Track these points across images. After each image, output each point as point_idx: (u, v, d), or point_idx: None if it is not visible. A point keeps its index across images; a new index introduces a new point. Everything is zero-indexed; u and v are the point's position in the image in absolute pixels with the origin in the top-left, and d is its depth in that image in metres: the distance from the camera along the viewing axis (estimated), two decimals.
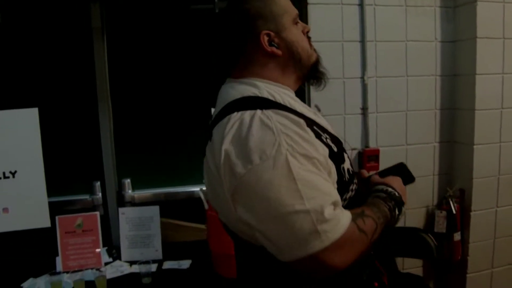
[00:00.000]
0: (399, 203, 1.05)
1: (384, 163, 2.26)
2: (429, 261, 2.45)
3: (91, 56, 2.10)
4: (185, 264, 1.96)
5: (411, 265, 2.44)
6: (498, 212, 2.42)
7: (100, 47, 2.10)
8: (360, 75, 2.26)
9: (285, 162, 0.82)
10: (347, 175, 0.99)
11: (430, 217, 2.43)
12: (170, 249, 2.07)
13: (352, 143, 2.23)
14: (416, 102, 2.36)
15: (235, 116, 0.90)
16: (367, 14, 2.22)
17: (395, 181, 1.11)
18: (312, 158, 0.86)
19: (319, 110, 1.95)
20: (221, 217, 1.04)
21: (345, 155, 1.03)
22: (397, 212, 1.04)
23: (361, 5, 2.22)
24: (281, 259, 0.87)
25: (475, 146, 2.29)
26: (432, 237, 2.33)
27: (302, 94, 2.10)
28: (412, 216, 2.41)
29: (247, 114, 0.89)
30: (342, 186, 0.96)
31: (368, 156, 2.22)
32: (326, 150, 0.91)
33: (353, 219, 0.88)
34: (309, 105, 2.09)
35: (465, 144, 2.34)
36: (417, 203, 2.42)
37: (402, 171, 1.19)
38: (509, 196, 2.44)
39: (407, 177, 1.18)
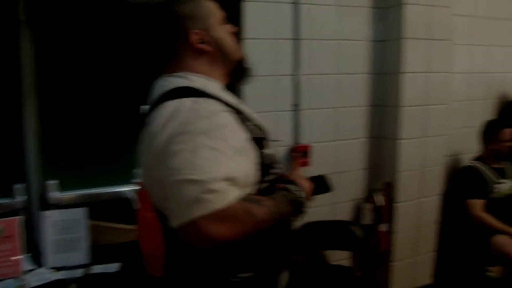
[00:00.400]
0: (299, 202, 1.17)
1: (316, 158, 2.41)
2: (357, 252, 2.65)
3: (17, 50, 2.02)
4: (115, 267, 1.98)
5: (341, 257, 2.61)
6: (421, 203, 2.67)
7: (27, 40, 2.02)
8: (294, 73, 2.37)
9: (196, 139, 0.97)
10: (268, 160, 1.15)
11: (358, 210, 2.62)
12: (99, 253, 2.08)
13: (284, 139, 2.34)
14: (347, 99, 2.54)
15: (171, 103, 1.04)
16: (302, 13, 2.34)
17: (304, 182, 1.24)
18: (224, 140, 1.00)
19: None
20: (157, 202, 1.13)
21: (269, 143, 1.20)
22: (296, 210, 1.17)
23: (296, 3, 2.32)
24: (172, 226, 0.99)
25: (400, 141, 2.50)
26: (359, 229, 2.54)
27: (236, 90, 2.17)
28: (341, 209, 2.60)
29: (180, 101, 1.04)
30: (263, 168, 1.12)
31: (299, 152, 2.35)
32: (247, 135, 1.07)
33: (244, 199, 1.00)
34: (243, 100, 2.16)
35: (391, 139, 2.55)
36: (346, 196, 2.61)
37: (321, 181, 1.32)
38: (432, 188, 2.71)
39: (324, 187, 1.31)
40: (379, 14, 2.56)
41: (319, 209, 2.42)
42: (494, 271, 2.85)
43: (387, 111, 2.58)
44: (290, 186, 1.17)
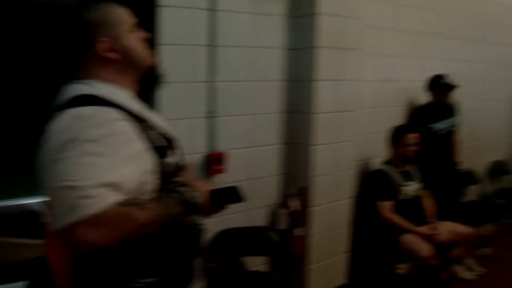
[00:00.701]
0: (190, 202, 1.21)
1: (231, 165, 2.49)
2: (274, 257, 2.77)
3: None
4: (20, 286, 1.92)
5: (258, 263, 2.72)
6: (334, 207, 2.86)
7: None
8: (209, 79, 2.42)
9: (84, 146, 1.01)
10: (170, 169, 1.21)
11: (274, 215, 2.75)
12: (3, 271, 2.00)
13: (198, 146, 2.40)
14: (262, 106, 2.66)
15: (70, 111, 1.08)
16: (218, 19, 2.40)
17: (200, 184, 1.31)
18: (115, 147, 1.05)
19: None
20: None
21: (174, 152, 1.25)
22: (188, 210, 1.21)
23: (212, 10, 2.38)
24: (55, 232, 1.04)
25: (313, 147, 2.66)
26: (275, 234, 2.67)
27: (149, 97, 2.19)
28: (257, 215, 2.72)
29: (78, 109, 1.08)
30: (164, 177, 1.17)
31: (213, 159, 2.42)
32: (146, 144, 1.12)
33: (124, 204, 1.04)
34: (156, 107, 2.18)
35: (305, 145, 2.71)
36: (261, 202, 2.73)
37: (233, 191, 1.38)
38: (344, 191, 2.91)
39: (236, 198, 1.38)
40: (294, 23, 2.70)
41: (235, 216, 2.51)
42: (402, 268, 3.11)
43: (300, 118, 2.73)
44: (181, 188, 1.22)
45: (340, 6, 2.69)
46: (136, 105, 1.23)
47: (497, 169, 4.64)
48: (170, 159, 1.22)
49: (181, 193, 1.20)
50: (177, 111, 2.30)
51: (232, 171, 2.52)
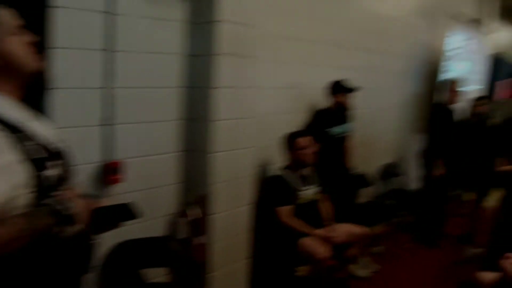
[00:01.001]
0: (62, 214, 1.21)
1: (128, 175, 2.48)
2: (175, 267, 2.79)
3: None
4: None
5: (159, 274, 2.73)
6: (234, 213, 2.97)
7: None
8: (105, 85, 2.39)
9: None
10: (49, 182, 1.19)
11: (173, 224, 2.78)
12: None
13: (93, 155, 2.37)
14: (160, 113, 2.69)
15: None
16: (115, 23, 2.37)
17: (78, 199, 1.31)
18: None
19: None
20: None
21: (56, 164, 1.24)
22: (60, 221, 1.21)
23: (108, 13, 2.34)
24: None
25: (212, 154, 2.74)
26: (176, 243, 2.70)
27: (38, 104, 2.12)
28: (156, 225, 2.75)
29: None
30: (41, 191, 1.16)
31: (110, 169, 2.40)
32: (18, 156, 1.11)
33: None
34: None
35: (203, 152, 2.79)
36: (161, 211, 2.77)
37: (125, 208, 1.40)
38: (244, 197, 3.04)
39: (129, 215, 1.40)
40: (194, 29, 2.76)
41: (133, 227, 2.48)
42: (302, 271, 3.28)
43: (199, 125, 2.80)
44: (52, 200, 1.21)
45: (239, 14, 2.79)
46: (17, 113, 1.21)
47: (388, 172, 5.07)
48: (51, 172, 1.20)
49: (51, 205, 1.18)
50: (70, 119, 2.24)
51: (129, 181, 2.52)
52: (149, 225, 2.67)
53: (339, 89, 3.74)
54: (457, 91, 4.60)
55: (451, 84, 4.64)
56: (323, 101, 3.84)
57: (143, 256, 2.58)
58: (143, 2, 2.50)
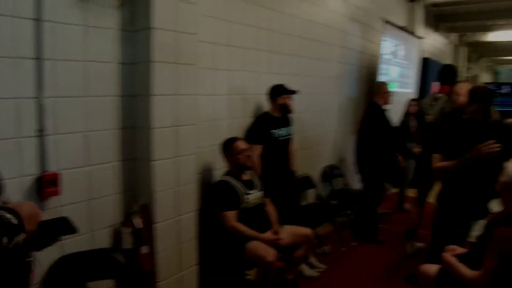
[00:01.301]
0: (9, 228, 1.20)
1: (66, 186, 2.43)
2: (121, 279, 2.75)
3: None
4: None
5: (105, 287, 2.68)
6: (179, 221, 2.97)
7: None
8: (37, 95, 2.33)
9: None
10: None
11: (117, 235, 2.74)
12: None
13: (28, 168, 2.31)
14: (98, 123, 2.66)
15: None
16: (45, 31, 2.32)
17: (24, 208, 1.30)
18: None
19: None
20: None
21: None
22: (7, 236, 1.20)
23: (38, 20, 2.29)
24: None
25: (153, 162, 2.74)
26: (121, 254, 2.67)
27: None
28: (100, 237, 2.71)
29: None
30: None
31: (46, 181, 2.34)
32: None
33: None
34: None
35: (144, 160, 2.78)
36: (104, 223, 2.73)
37: (61, 223, 1.39)
38: (188, 205, 3.04)
39: (68, 229, 1.39)
40: (128, 37, 2.76)
41: (76, 239, 2.46)
42: (251, 274, 3.32)
43: (139, 133, 2.80)
44: None
45: (175, 21, 2.82)
46: None
47: (330, 173, 5.23)
48: None
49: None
50: (1, 130, 2.18)
51: (68, 192, 2.48)
52: (92, 237, 2.64)
53: (280, 91, 3.84)
54: (388, 93, 4.84)
55: (383, 86, 4.89)
56: (265, 105, 3.95)
57: (88, 269, 2.53)
58: (76, 9, 2.48)
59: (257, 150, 3.70)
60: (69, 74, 2.47)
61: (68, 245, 2.44)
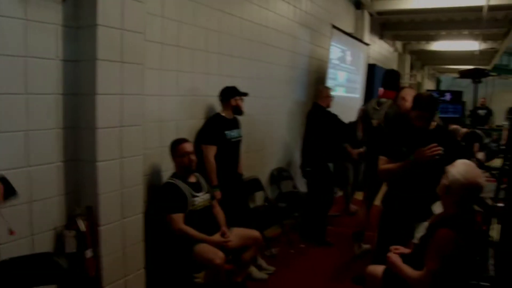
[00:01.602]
0: None
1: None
2: (65, 284, 2.67)
3: None
4: None
5: None
6: (125, 223, 2.93)
7: None
8: None
9: None
10: None
11: (60, 239, 2.66)
12: None
13: None
14: (38, 122, 2.57)
15: None
16: None
17: None
18: None
19: None
20: None
21: None
22: None
23: None
24: None
25: (98, 163, 2.69)
26: (64, 259, 2.59)
27: None
28: (41, 241, 2.61)
29: None
30: None
31: None
32: None
33: None
34: None
35: (88, 161, 2.73)
36: (45, 226, 2.64)
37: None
38: (134, 207, 3.01)
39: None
40: (71, 33, 2.69)
41: (16, 243, 2.38)
42: (199, 277, 3.32)
43: (82, 133, 2.74)
44: None
45: (121, 19, 2.78)
46: None
47: (278, 176, 5.30)
48: None
49: None
50: None
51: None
52: (33, 241, 2.55)
53: (233, 93, 3.90)
54: (330, 97, 5.01)
55: (325, 90, 5.05)
56: (215, 107, 3.98)
57: (28, 275, 2.43)
58: (15, 1, 2.38)
59: (212, 150, 3.74)
60: (7, 70, 2.38)
61: (6, 249, 2.35)
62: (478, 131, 6.76)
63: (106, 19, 2.67)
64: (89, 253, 2.72)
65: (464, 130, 7.10)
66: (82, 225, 2.68)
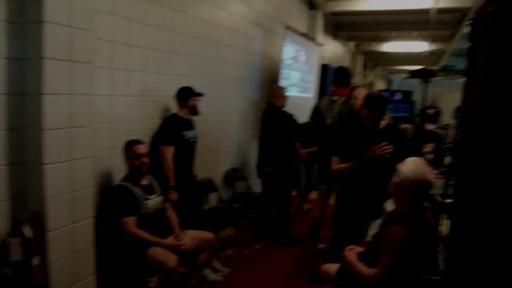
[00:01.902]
0: None
1: None
2: None
3: None
4: None
5: None
6: (74, 228, 2.86)
7: None
8: None
9: None
10: None
11: (4, 246, 2.56)
12: None
13: None
14: None
15: None
16: None
17: None
18: None
19: None
20: None
21: None
22: None
23: None
24: None
25: (44, 166, 2.60)
26: (8, 268, 2.50)
27: None
28: None
29: None
30: None
31: None
32: None
33: None
34: None
35: (34, 164, 2.64)
36: None
37: None
38: (84, 211, 2.94)
39: None
40: (16, 30, 2.58)
41: None
42: (153, 282, 3.28)
43: (28, 135, 2.64)
44: None
45: (69, 15, 2.70)
46: None
47: (232, 176, 5.32)
48: None
49: None
50: None
51: None
52: None
53: (190, 94, 3.90)
54: (285, 97, 5.11)
55: (279, 90, 5.15)
56: (168, 107, 3.95)
57: None
58: None
59: (170, 151, 3.72)
60: None
61: None
62: (441, 132, 6.76)
63: (53, 15, 2.59)
64: (36, 260, 2.62)
65: (430, 128, 6.92)
66: (28, 232, 2.59)
